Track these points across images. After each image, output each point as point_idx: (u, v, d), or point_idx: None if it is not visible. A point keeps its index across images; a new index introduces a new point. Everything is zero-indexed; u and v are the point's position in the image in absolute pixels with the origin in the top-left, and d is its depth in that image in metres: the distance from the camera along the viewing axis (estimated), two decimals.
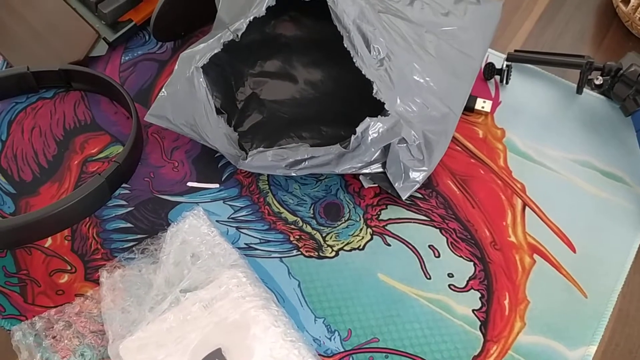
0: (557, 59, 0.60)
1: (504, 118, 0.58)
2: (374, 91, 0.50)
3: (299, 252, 0.51)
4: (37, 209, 0.48)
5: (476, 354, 0.47)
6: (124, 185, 0.54)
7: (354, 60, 0.50)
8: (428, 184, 0.54)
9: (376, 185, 0.53)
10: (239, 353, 0.44)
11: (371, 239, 0.52)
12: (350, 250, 0.52)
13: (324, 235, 0.52)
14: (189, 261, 0.48)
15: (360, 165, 0.51)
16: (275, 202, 0.54)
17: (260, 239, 0.52)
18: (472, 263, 0.51)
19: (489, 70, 0.60)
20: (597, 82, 0.58)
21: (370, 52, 0.50)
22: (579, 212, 0.53)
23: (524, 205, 0.54)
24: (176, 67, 0.53)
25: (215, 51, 0.52)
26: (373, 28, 0.51)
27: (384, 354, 0.47)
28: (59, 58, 0.60)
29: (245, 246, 0.52)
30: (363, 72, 0.50)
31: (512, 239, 0.52)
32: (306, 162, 0.51)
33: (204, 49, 0.52)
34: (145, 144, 0.57)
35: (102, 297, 0.48)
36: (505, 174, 0.55)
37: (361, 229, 0.53)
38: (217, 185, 0.55)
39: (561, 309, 0.49)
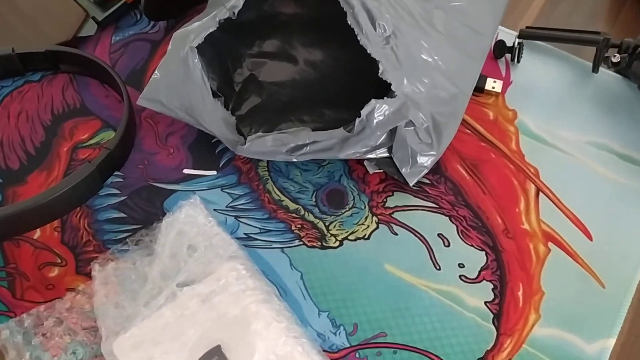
0: (571, 36, 0.57)
1: (516, 99, 0.56)
2: (380, 71, 0.47)
3: (301, 242, 0.49)
4: (25, 199, 0.46)
5: (489, 348, 0.45)
6: (116, 173, 0.52)
7: (358, 39, 0.47)
8: (436, 169, 0.52)
9: (382, 170, 0.51)
10: (239, 350, 0.42)
11: (377, 227, 0.50)
12: (355, 240, 0.49)
13: (327, 224, 0.50)
14: (185, 253, 0.46)
15: (365, 150, 0.48)
16: (276, 190, 0.52)
17: (260, 228, 0.50)
18: (483, 252, 0.48)
19: (500, 48, 0.57)
20: (614, 60, 0.55)
21: (375, 29, 0.48)
22: (596, 197, 0.51)
23: (538, 190, 0.51)
24: (169, 47, 0.51)
25: (211, 30, 0.49)
26: (378, 4, 0.48)
27: (392, 350, 0.45)
28: (46, 39, 0.57)
29: (244, 236, 0.49)
30: (368, 51, 0.47)
31: (526, 226, 0.49)
32: (308, 147, 0.48)
33: (198, 28, 0.50)
34: (138, 129, 0.55)
35: (94, 291, 0.45)
36: (518, 158, 0.53)
37: (366, 217, 0.50)
38: (215, 172, 0.53)
39: (578, 300, 0.46)
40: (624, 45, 0.55)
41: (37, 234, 0.50)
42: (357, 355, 0.44)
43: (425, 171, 0.50)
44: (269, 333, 0.42)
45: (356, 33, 0.47)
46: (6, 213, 0.45)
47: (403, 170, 0.50)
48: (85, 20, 0.59)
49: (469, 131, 0.54)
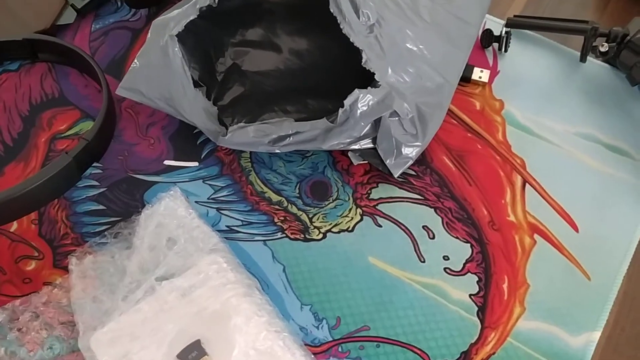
0: (559, 25, 0.56)
1: (503, 89, 0.55)
2: (363, 60, 0.46)
3: (284, 235, 0.48)
4: (1, 191, 0.45)
5: (473, 341, 0.44)
6: (95, 164, 0.51)
7: (341, 27, 0.46)
8: (422, 160, 0.51)
9: (366, 162, 0.50)
10: (219, 345, 0.41)
11: (361, 219, 0.49)
12: (338, 232, 0.48)
13: (310, 216, 0.49)
14: (165, 246, 0.45)
15: (349, 140, 0.48)
16: (259, 181, 0.51)
17: (242, 220, 0.49)
18: (469, 244, 0.48)
19: (487, 37, 0.56)
20: (602, 50, 0.54)
21: (359, 17, 0.47)
22: (582, 188, 0.50)
23: (524, 182, 0.50)
24: (149, 35, 0.50)
25: (191, 18, 0.48)
26: None
27: (375, 343, 0.44)
28: (24, 27, 0.56)
29: (226, 229, 0.48)
30: (351, 40, 0.46)
31: (512, 218, 0.49)
32: (291, 138, 0.47)
33: (178, 16, 0.49)
34: (118, 120, 0.54)
35: (71, 285, 0.44)
36: (504, 149, 0.52)
37: (350, 209, 0.49)
38: (196, 164, 0.52)
39: (563, 292, 0.46)
40: (612, 34, 0.54)
41: (14, 226, 0.49)
42: (340, 349, 0.44)
43: (410, 162, 0.49)
44: (249, 327, 0.41)
45: (339, 21, 0.46)
46: None
47: (387, 162, 0.49)
48: (64, 7, 0.58)
49: (455, 122, 0.53)
